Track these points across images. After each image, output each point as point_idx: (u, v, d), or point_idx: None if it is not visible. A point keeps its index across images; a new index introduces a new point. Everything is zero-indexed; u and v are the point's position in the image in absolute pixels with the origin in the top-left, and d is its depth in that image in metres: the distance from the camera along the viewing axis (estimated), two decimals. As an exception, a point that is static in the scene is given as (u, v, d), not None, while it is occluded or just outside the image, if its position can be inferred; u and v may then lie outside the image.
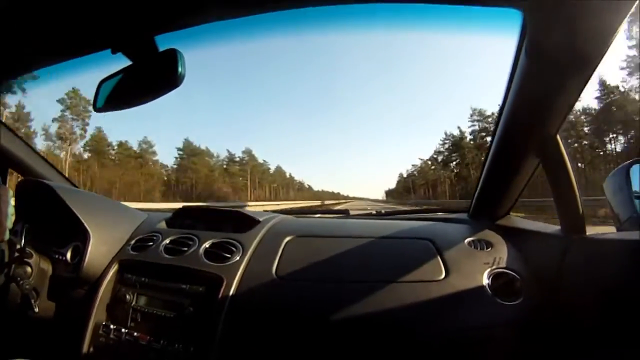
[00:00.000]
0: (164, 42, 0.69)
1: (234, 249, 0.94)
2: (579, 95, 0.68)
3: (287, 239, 0.98)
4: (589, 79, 0.64)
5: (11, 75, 0.83)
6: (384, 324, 0.76)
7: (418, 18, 0.68)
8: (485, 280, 0.82)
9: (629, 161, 0.87)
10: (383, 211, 1.35)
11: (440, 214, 1.25)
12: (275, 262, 0.90)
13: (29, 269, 0.87)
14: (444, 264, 0.86)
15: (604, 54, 0.57)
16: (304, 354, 0.78)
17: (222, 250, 0.93)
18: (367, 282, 0.83)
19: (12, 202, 0.83)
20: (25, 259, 0.86)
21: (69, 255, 0.95)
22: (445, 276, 0.83)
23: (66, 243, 0.98)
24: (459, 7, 0.57)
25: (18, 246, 0.85)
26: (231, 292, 0.83)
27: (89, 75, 0.89)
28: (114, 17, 0.64)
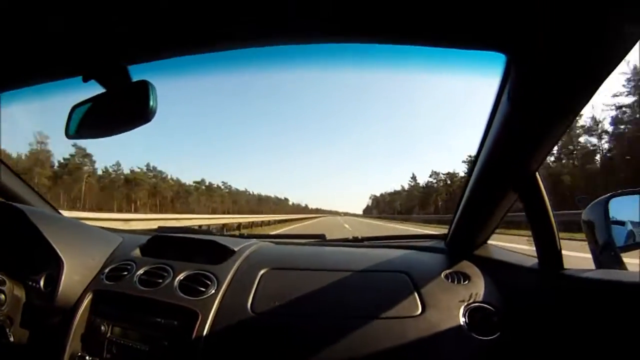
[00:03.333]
0: (138, 72, 0.67)
1: (208, 282, 0.92)
2: (560, 137, 0.68)
3: (262, 271, 0.96)
4: (571, 123, 0.63)
5: None
6: None
7: (398, 57, 0.68)
8: (462, 316, 0.81)
9: (607, 195, 0.88)
10: (360, 237, 1.34)
11: (416, 242, 1.24)
12: (251, 297, 0.88)
13: (2, 297, 0.85)
14: (420, 299, 0.85)
15: (589, 100, 0.56)
16: None
17: (197, 283, 0.91)
18: (343, 318, 0.82)
19: None
20: None
21: (42, 283, 0.92)
22: (422, 312, 0.82)
23: (39, 270, 0.94)
24: (441, 49, 0.57)
25: None
26: (206, 328, 0.81)
27: (61, 98, 0.87)
28: (86, 44, 0.62)
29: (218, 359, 0.79)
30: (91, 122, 0.74)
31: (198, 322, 0.81)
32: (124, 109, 0.68)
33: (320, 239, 1.34)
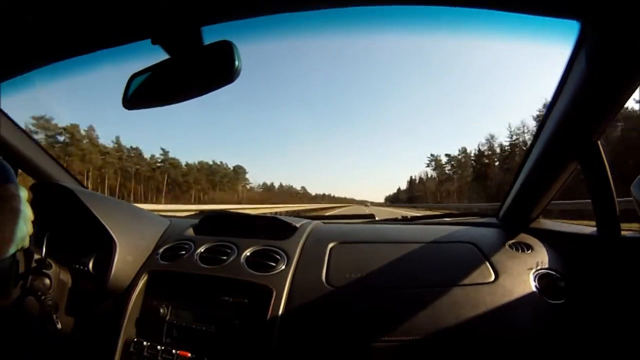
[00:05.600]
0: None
1: (278, 256, 0.89)
2: (626, 102, 0.69)
3: (331, 245, 0.95)
4: (638, 87, 0.65)
5: (39, 64, 0.76)
6: (443, 329, 0.74)
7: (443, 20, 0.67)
8: (533, 281, 0.83)
9: None
10: (409, 216, 1.34)
11: (468, 219, 1.25)
12: (324, 270, 0.86)
13: (47, 281, 0.79)
14: (491, 267, 0.86)
15: None
16: None
17: (266, 258, 0.89)
18: (420, 288, 0.81)
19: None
20: (44, 270, 0.78)
21: (91, 265, 0.88)
22: (495, 279, 0.83)
23: (86, 252, 0.90)
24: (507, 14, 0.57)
25: (37, 256, 0.77)
26: (282, 304, 0.78)
27: (118, 69, 0.83)
28: (160, 3, 0.59)
29: (296, 336, 0.76)
30: (155, 89, 0.71)
31: (273, 299, 0.79)
32: (196, 72, 0.66)
33: (370, 219, 1.33)
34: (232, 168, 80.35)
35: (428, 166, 77.93)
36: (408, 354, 0.73)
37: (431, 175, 79.63)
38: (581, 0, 0.52)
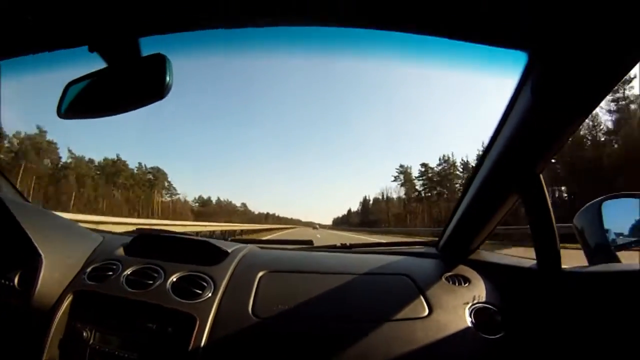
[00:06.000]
0: (146, 46, 0.64)
1: (204, 283, 0.85)
2: (570, 136, 0.71)
3: (261, 274, 0.91)
4: (583, 121, 0.67)
5: None
6: None
7: (398, 46, 0.69)
8: (468, 316, 0.81)
9: (600, 198, 0.92)
10: (348, 244, 1.30)
11: (407, 248, 1.24)
12: (251, 300, 0.83)
13: None
14: (425, 301, 0.84)
15: (604, 98, 0.60)
16: None
17: (192, 285, 0.85)
18: (351, 322, 0.79)
19: None
20: None
21: (16, 281, 0.82)
22: (429, 313, 0.81)
23: (12, 266, 0.84)
24: (454, 42, 0.58)
25: None
26: (205, 333, 0.74)
27: (55, 74, 0.80)
28: (97, 10, 0.57)
29: None
30: (91, 100, 0.69)
31: (196, 328, 0.75)
32: (131, 85, 0.64)
33: (308, 245, 1.30)
34: (149, 170, 57.91)
35: (395, 180, 63.16)
36: None
37: (388, 196, 66.05)
38: (526, 33, 0.54)
